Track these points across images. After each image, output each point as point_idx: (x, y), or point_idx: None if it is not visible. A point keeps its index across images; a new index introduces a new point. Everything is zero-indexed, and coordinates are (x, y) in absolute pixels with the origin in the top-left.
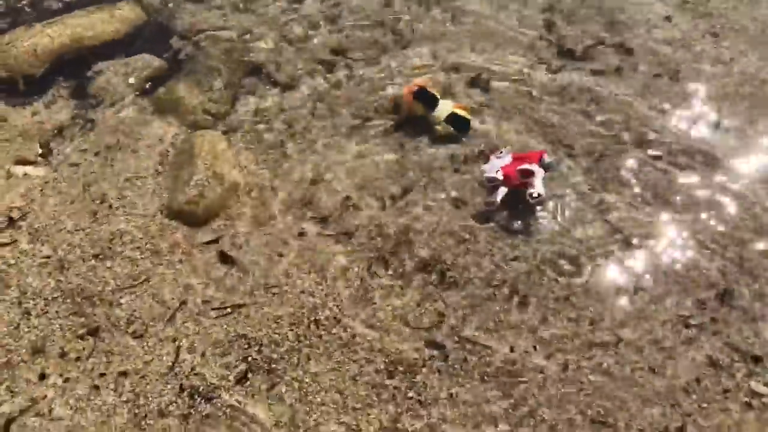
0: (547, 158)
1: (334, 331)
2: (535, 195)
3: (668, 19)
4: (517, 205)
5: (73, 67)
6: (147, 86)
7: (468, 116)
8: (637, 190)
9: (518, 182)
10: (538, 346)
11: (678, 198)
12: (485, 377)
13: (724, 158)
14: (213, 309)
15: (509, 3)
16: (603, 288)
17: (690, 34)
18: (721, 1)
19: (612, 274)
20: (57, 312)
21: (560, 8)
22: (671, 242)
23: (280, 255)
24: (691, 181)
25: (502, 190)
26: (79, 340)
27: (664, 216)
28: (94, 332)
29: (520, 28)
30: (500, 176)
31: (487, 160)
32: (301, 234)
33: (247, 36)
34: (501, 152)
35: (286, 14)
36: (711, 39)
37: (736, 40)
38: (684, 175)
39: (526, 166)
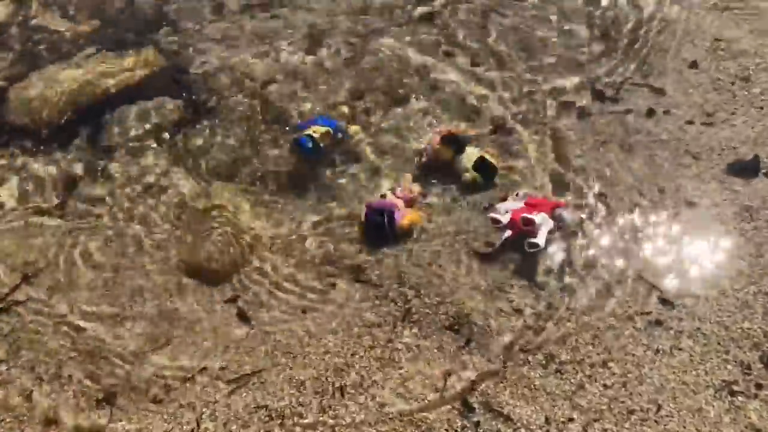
0: (562, 211)
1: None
2: (531, 243)
3: None
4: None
5: (92, 113)
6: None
7: (496, 163)
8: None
9: (520, 228)
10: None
11: None
12: None
13: None
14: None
15: None
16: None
17: None
18: None
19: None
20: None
21: None
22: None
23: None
24: None
25: (507, 233)
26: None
27: None
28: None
29: None
30: (505, 219)
31: (504, 199)
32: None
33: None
34: (518, 194)
35: None
36: None
37: None
38: None
39: (529, 215)
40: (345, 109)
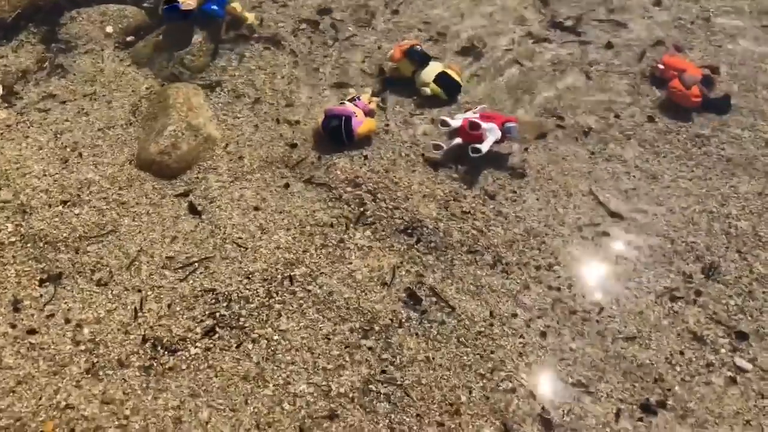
0: (511, 125)
1: (309, 288)
2: (474, 148)
3: None
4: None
5: (46, 13)
6: (127, 38)
7: (459, 79)
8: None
9: (467, 134)
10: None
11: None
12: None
13: None
14: (179, 263)
15: None
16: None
17: None
18: None
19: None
20: (14, 257)
21: None
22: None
23: (256, 209)
24: None
25: (456, 140)
26: (38, 287)
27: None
28: (56, 278)
29: None
30: (455, 123)
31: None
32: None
33: None
34: (476, 108)
35: None
36: None
37: None
38: None
39: (476, 119)
40: None
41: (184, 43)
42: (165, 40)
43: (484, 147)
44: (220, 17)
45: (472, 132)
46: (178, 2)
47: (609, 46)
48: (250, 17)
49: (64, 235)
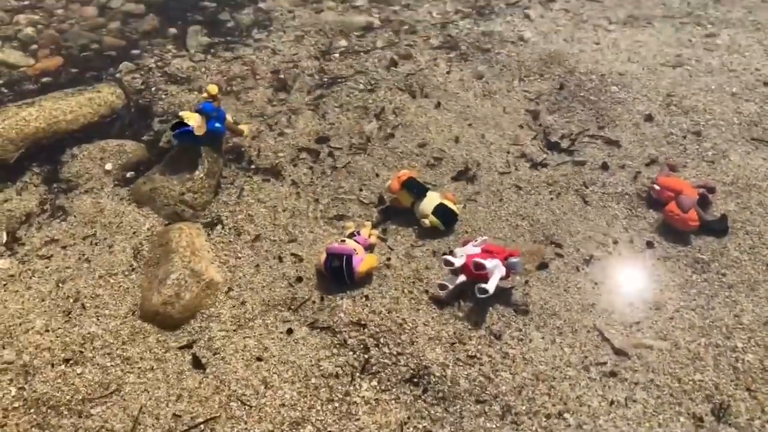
0: (514, 259)
1: None
2: (480, 288)
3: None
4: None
5: (49, 151)
6: (127, 174)
7: (456, 209)
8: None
9: (472, 273)
10: None
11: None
12: None
13: None
14: (185, 425)
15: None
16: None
17: None
18: None
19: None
20: (17, 425)
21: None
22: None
23: (259, 359)
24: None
25: (461, 278)
26: None
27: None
28: None
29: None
30: (458, 262)
31: (464, 245)
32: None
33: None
34: (476, 240)
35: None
36: None
37: None
38: None
39: (480, 259)
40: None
41: (186, 178)
42: (165, 176)
43: (491, 287)
44: (222, 133)
45: (477, 272)
46: (189, 126)
47: (604, 167)
48: (246, 129)
49: (67, 398)
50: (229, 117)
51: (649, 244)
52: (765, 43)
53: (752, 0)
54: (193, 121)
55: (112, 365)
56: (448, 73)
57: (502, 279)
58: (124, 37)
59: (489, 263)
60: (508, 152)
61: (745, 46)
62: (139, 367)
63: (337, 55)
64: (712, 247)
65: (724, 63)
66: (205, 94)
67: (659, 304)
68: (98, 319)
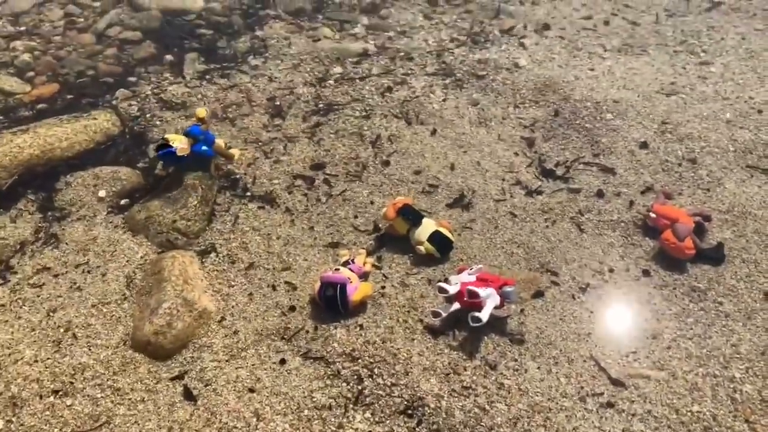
0: (509, 288)
1: None
2: (474, 317)
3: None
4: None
5: (44, 178)
6: (121, 202)
7: (451, 236)
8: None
9: (465, 301)
10: None
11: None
12: None
13: None
14: None
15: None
16: None
17: None
18: None
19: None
20: None
21: None
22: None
23: (251, 391)
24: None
25: (455, 306)
26: None
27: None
28: None
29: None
30: (453, 290)
31: (459, 273)
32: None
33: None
34: (472, 268)
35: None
36: None
37: None
38: None
39: (474, 287)
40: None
41: (180, 206)
42: (160, 204)
43: (484, 316)
44: (209, 157)
45: (471, 300)
46: (172, 147)
47: (600, 194)
48: (236, 153)
49: (56, 430)
50: (220, 141)
51: (645, 273)
52: (758, 71)
53: (745, 28)
54: (178, 142)
55: (102, 396)
56: (443, 100)
57: (496, 308)
58: (120, 64)
59: (483, 291)
60: (504, 179)
61: (738, 74)
62: (130, 399)
63: (332, 82)
64: (708, 276)
65: (718, 90)
66: (193, 118)
67: (656, 333)
68: (89, 349)
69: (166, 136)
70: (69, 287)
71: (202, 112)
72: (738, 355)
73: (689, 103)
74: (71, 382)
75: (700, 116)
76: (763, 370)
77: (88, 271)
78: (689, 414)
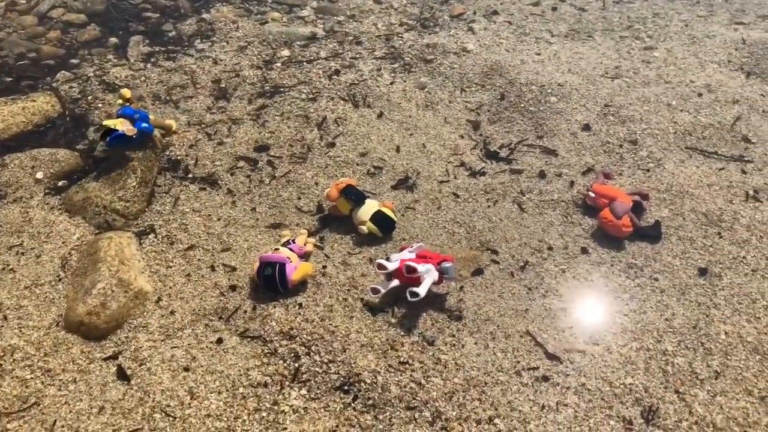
0: (447, 264)
1: None
2: (412, 292)
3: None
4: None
5: None
6: (59, 183)
7: (394, 216)
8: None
9: (404, 277)
10: None
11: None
12: None
13: None
14: None
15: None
16: None
17: None
18: None
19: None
20: None
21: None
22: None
23: (186, 370)
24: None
25: (394, 282)
26: None
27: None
28: None
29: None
30: (392, 266)
31: (401, 251)
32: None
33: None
34: (412, 246)
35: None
36: None
37: None
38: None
39: (412, 263)
40: None
41: (118, 187)
42: (98, 185)
43: (422, 290)
44: (150, 132)
45: (409, 275)
46: (120, 130)
47: (542, 175)
48: (173, 123)
49: None
50: (151, 116)
51: (584, 250)
52: (700, 56)
53: (688, 14)
54: (121, 125)
55: (32, 377)
56: (391, 83)
57: (435, 284)
58: (63, 47)
59: (421, 267)
60: (448, 161)
61: (680, 59)
62: (61, 379)
63: (279, 64)
64: (645, 253)
65: (660, 74)
66: (119, 100)
67: (593, 308)
68: (20, 331)
69: (105, 122)
70: (1, 269)
71: (126, 92)
72: (671, 329)
73: (632, 86)
74: (0, 364)
75: (643, 99)
76: (694, 343)
77: (22, 253)
78: (622, 386)
